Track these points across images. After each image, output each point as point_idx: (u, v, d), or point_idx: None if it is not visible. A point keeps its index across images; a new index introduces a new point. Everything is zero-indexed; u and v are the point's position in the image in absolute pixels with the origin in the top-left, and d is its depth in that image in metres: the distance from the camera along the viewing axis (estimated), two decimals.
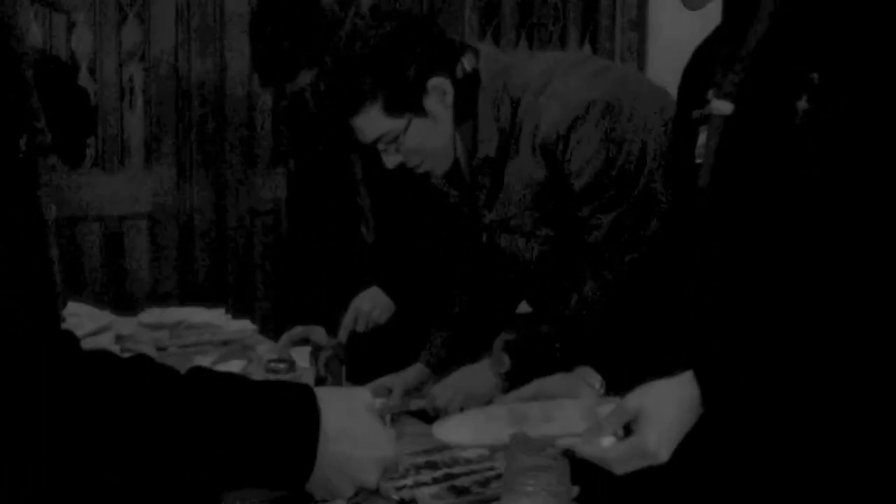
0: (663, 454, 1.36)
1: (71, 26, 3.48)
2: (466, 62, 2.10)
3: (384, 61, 2.01)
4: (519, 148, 2.08)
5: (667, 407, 1.36)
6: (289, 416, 1.02)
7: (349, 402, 1.08)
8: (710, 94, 1.47)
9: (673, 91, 1.69)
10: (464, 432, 1.51)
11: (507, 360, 2.17)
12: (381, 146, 2.08)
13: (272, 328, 2.96)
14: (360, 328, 2.54)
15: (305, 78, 2.54)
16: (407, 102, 2.03)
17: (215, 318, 2.85)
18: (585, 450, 1.38)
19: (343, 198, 2.76)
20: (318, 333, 2.70)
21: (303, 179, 2.96)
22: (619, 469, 1.37)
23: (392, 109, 2.03)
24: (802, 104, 1.32)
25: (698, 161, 1.48)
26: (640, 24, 4.10)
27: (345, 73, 2.04)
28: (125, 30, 3.63)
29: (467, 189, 2.22)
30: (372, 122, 2.05)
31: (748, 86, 1.41)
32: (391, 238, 2.69)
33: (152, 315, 2.80)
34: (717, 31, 1.55)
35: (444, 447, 1.80)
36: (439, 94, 2.05)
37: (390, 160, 2.10)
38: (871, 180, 1.29)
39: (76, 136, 2.29)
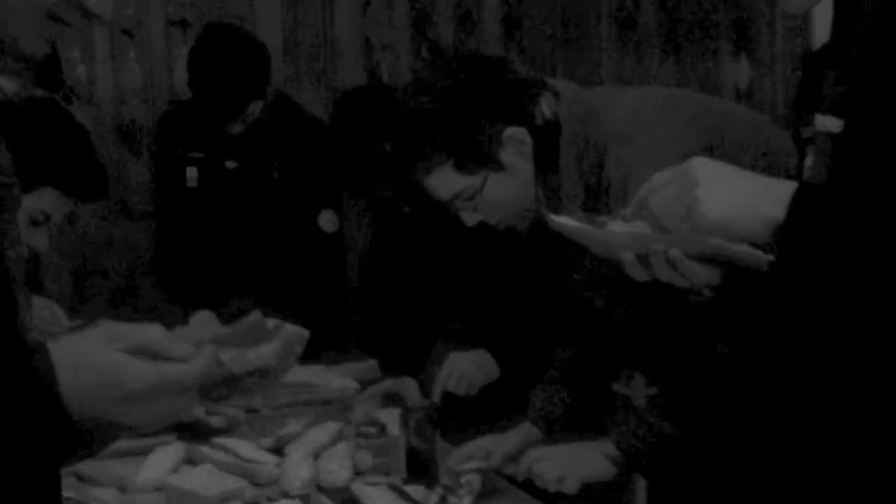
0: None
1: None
2: (546, 106, 1.90)
3: (453, 116, 1.85)
4: (609, 206, 1.82)
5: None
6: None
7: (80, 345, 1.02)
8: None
9: None
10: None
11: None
12: (458, 204, 1.94)
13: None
14: (461, 392, 2.31)
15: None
16: (481, 159, 1.88)
17: (314, 376, 2.57)
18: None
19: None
20: (410, 388, 2.41)
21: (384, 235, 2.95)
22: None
23: (466, 167, 1.87)
24: None
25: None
26: (805, 29, 3.62)
27: (412, 133, 1.89)
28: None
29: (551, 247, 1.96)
30: (446, 181, 1.91)
31: (856, 97, 1.27)
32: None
33: None
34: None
35: None
36: (516, 144, 1.88)
37: (469, 218, 1.95)
38: None
39: (78, 174, 2.15)
